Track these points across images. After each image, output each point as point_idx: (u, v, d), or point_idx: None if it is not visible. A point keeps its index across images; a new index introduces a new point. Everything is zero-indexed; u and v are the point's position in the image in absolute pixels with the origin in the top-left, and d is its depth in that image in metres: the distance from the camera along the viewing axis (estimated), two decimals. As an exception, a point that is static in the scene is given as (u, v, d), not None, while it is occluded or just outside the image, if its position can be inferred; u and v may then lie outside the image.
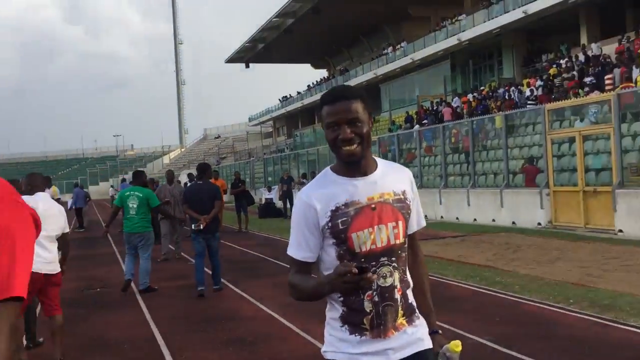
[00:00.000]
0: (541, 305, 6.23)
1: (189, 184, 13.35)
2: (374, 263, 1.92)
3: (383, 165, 2.05)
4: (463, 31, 30.87)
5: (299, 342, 5.45)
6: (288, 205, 21.67)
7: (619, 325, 5.31)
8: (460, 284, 7.68)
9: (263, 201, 23.37)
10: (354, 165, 1.95)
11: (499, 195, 15.36)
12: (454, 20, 32.73)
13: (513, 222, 14.75)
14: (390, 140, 22.32)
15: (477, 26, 29.84)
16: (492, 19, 28.82)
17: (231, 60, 57.27)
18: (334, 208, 1.93)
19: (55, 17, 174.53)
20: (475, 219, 16.21)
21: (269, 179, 33.17)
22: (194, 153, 73.99)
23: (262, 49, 51.83)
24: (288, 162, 32.15)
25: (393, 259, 1.95)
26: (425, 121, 26.58)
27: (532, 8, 26.05)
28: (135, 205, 8.48)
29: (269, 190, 23.55)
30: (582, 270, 8.07)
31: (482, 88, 29.12)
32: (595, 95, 14.91)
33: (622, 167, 12.17)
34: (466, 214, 16.69)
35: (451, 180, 18.47)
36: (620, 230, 11.74)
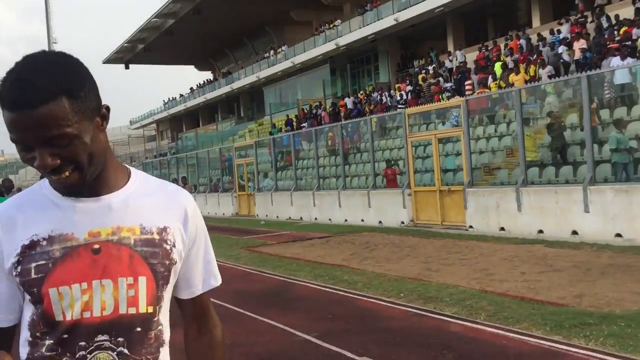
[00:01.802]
0: (374, 301, 6.60)
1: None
2: (83, 343, 1.23)
3: (141, 183, 1.34)
4: (340, 36, 31.75)
5: None
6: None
7: (435, 315, 5.75)
8: (307, 284, 7.93)
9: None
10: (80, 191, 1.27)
11: (367, 197, 15.97)
12: (331, 26, 33.57)
13: (380, 222, 15.39)
14: (269, 143, 22.52)
15: (353, 32, 30.82)
16: (367, 25, 29.88)
17: (109, 60, 55.03)
18: (27, 243, 1.24)
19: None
20: (346, 220, 16.72)
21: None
22: (72, 158, 70.36)
23: (143, 49, 50.31)
24: (168, 166, 31.43)
25: (120, 339, 1.25)
26: (304, 124, 27.06)
27: (403, 16, 27.33)
28: None
29: (144, 196, 22.91)
30: (424, 265, 8.61)
31: (360, 92, 30.13)
32: (448, 101, 15.89)
33: (472, 167, 13.09)
34: (338, 215, 17.18)
35: (325, 183, 18.96)
36: (471, 227, 12.62)
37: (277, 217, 19.95)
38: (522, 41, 21.05)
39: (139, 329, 1.27)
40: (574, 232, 10.30)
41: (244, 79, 42.51)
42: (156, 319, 1.30)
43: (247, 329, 5.89)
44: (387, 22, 28.30)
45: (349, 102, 26.83)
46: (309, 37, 36.10)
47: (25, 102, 1.13)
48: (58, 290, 1.22)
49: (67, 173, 1.20)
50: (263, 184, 21.82)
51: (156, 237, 1.30)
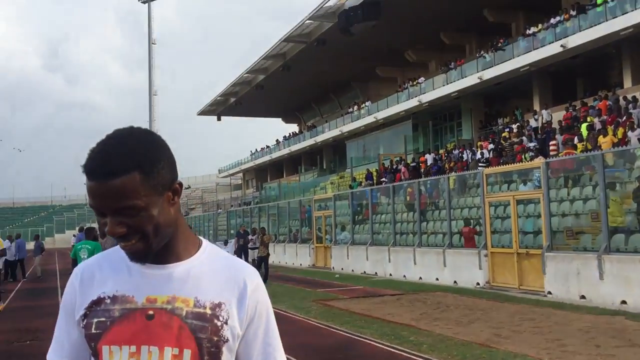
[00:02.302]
0: (436, 365, 6.55)
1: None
2: None
3: (208, 256, 1.38)
4: (423, 93, 32.03)
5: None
6: (243, 259, 21.82)
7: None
8: (372, 342, 7.96)
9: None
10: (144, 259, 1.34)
11: (442, 255, 15.79)
12: (414, 83, 33.96)
13: (455, 282, 15.13)
14: (348, 196, 22.80)
15: (437, 89, 31.02)
16: (451, 83, 30.01)
17: (203, 112, 58.06)
18: (95, 298, 1.33)
19: (35, 65, 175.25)
20: (420, 278, 16.55)
21: (232, 231, 33.26)
22: (163, 203, 73.65)
23: (234, 102, 52.76)
24: (250, 215, 32.37)
25: None
26: (384, 179, 27.23)
27: (487, 74, 27.28)
28: (85, 256, 9.17)
29: (225, 244, 23.66)
30: (494, 331, 8.42)
31: (441, 150, 30.07)
32: (528, 162, 15.62)
33: (551, 230, 12.73)
34: (413, 272, 17.05)
35: (402, 238, 18.90)
36: (550, 292, 12.17)
37: (353, 270, 20.01)
38: (611, 102, 20.45)
39: None
40: (660, 305, 9.75)
41: (328, 133, 43.48)
42: None
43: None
44: (470, 80, 28.34)
45: (429, 158, 26.82)
46: (393, 93, 36.65)
47: (101, 174, 1.23)
48: (110, 348, 1.28)
49: (133, 241, 1.27)
50: (340, 236, 22.03)
51: (208, 311, 1.31)
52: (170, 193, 1.31)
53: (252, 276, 1.38)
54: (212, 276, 1.35)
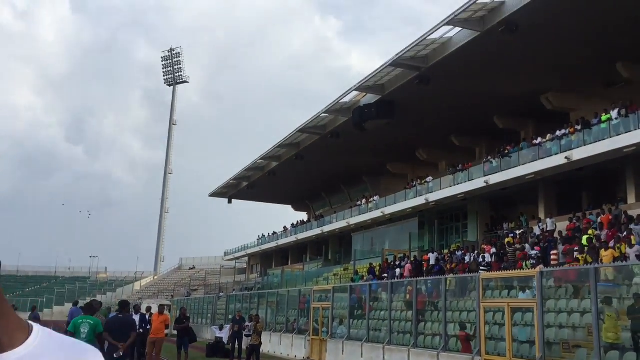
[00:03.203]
0: None
1: (110, 316, 13.74)
2: None
3: (41, 343, 1.13)
4: (431, 192, 32.53)
5: None
6: (236, 346, 21.55)
7: None
8: None
9: (213, 339, 23.18)
10: None
11: (437, 358, 15.55)
12: (423, 182, 34.57)
13: (448, 387, 14.81)
14: (347, 289, 22.72)
15: (444, 189, 31.53)
16: (458, 184, 30.54)
17: (215, 194, 58.94)
18: None
19: (57, 135, 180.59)
20: (414, 379, 16.22)
21: (229, 316, 32.91)
22: (166, 282, 73.24)
23: (246, 187, 53.64)
24: (250, 301, 32.12)
25: None
26: (385, 275, 27.17)
27: (493, 179, 27.81)
28: (85, 331, 9.48)
29: (221, 328, 23.45)
30: None
31: (445, 250, 30.13)
32: (523, 271, 15.68)
33: (545, 342, 12.61)
34: (406, 373, 16.71)
35: (398, 337, 18.64)
36: (541, 406, 11.89)
37: (346, 367, 19.62)
38: (613, 216, 20.68)
39: None
40: None
41: (335, 224, 43.82)
42: None
43: None
44: (477, 183, 28.86)
45: (432, 257, 26.86)
46: (402, 189, 37.23)
47: None
48: None
49: None
50: (337, 330, 21.76)
51: None
52: None
53: None
54: None
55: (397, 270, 26.66)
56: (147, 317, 18.08)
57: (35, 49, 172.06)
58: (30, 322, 1.18)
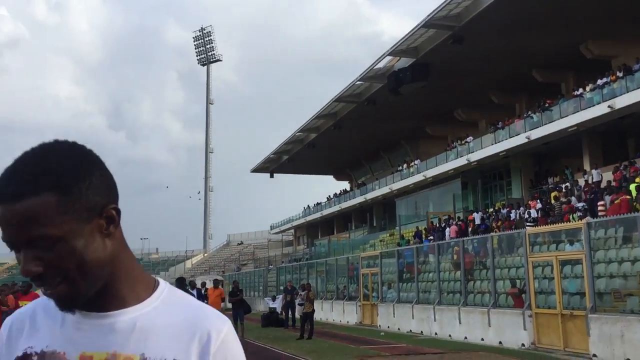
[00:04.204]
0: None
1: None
2: None
3: (163, 301, 1.13)
4: (472, 152, 32.30)
5: None
6: (290, 315, 22.21)
7: None
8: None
9: (267, 310, 23.91)
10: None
11: (487, 315, 15.77)
12: (463, 142, 34.31)
13: (500, 342, 15.04)
14: (394, 254, 23.03)
15: (485, 148, 31.25)
16: (499, 142, 30.23)
17: (256, 170, 59.74)
18: (21, 354, 1.12)
19: (100, 123, 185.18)
20: (465, 337, 16.50)
21: (281, 287, 33.72)
22: (215, 258, 75.07)
23: (287, 160, 54.17)
24: (300, 271, 32.81)
25: None
26: (431, 237, 27.33)
27: (535, 134, 27.42)
28: None
29: (273, 299, 24.15)
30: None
31: (490, 209, 30.02)
32: (569, 223, 15.64)
33: (596, 292, 12.67)
34: (458, 331, 17.01)
35: (447, 297, 18.90)
36: (595, 355, 12.04)
37: (399, 329, 20.04)
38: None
39: None
40: None
41: (378, 190, 43.98)
42: None
43: None
44: (518, 140, 28.52)
45: (477, 217, 26.84)
46: (443, 151, 37.04)
47: (7, 195, 1.00)
48: None
49: (53, 285, 1.03)
50: (387, 294, 22.15)
51: None
52: (103, 220, 1.06)
53: (219, 326, 1.11)
54: (165, 327, 1.09)
55: (447, 230, 26.72)
56: (203, 292, 18.84)
57: (70, 40, 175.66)
58: (159, 278, 1.18)
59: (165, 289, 1.14)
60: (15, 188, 1.00)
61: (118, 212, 1.08)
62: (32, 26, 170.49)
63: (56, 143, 1.07)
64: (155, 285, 1.15)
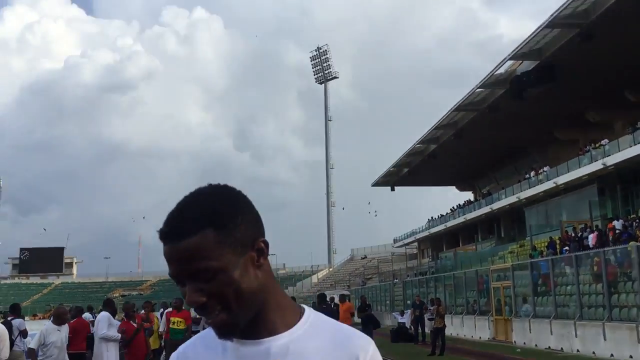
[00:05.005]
0: None
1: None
2: None
3: (311, 326, 1.23)
4: (608, 156, 30.16)
5: None
6: (419, 330, 21.87)
7: None
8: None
9: (396, 325, 23.71)
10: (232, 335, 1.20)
11: (636, 330, 14.56)
12: (597, 145, 32.15)
13: (653, 360, 13.83)
14: (527, 266, 21.97)
15: (623, 150, 29.05)
16: (638, 143, 27.98)
17: (377, 184, 59.79)
18: None
19: (228, 145, 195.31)
20: (612, 355, 15.35)
21: (407, 302, 33.32)
22: (340, 273, 75.87)
23: (407, 173, 53.72)
24: (426, 285, 32.27)
25: None
26: (566, 248, 25.78)
27: (681, 132, 25.09)
28: None
29: (402, 314, 23.91)
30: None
31: (632, 215, 27.79)
32: None
33: None
34: (602, 348, 15.89)
35: (589, 312, 17.70)
36: None
37: (536, 345, 19.04)
38: None
39: None
40: None
41: (504, 200, 42.30)
42: None
43: None
44: (662, 139, 26.22)
45: (617, 224, 24.95)
46: (574, 156, 34.91)
47: (172, 235, 1.13)
48: None
49: (215, 313, 1.14)
50: (521, 309, 21.16)
51: None
52: (254, 253, 1.17)
53: (366, 346, 1.21)
54: (316, 349, 1.19)
55: (590, 237, 25.07)
56: (332, 306, 19.06)
57: (198, 69, 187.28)
58: (303, 305, 1.29)
59: (312, 315, 1.25)
60: (179, 228, 1.13)
61: (267, 244, 1.20)
62: (164, 59, 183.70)
63: (211, 186, 1.21)
64: (302, 312, 1.25)
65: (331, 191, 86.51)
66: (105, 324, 8.91)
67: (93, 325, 10.51)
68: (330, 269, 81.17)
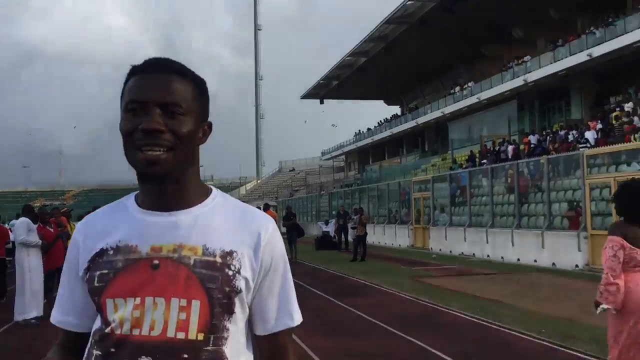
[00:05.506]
0: (514, 334, 6.91)
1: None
2: None
3: (218, 204, 1.31)
4: (529, 72, 31.11)
5: None
6: (343, 238, 22.68)
7: (567, 350, 5.97)
8: (457, 313, 8.39)
9: (320, 234, 24.45)
10: (156, 185, 1.26)
11: (541, 237, 15.68)
12: (520, 62, 33.02)
13: (553, 264, 15.02)
14: (446, 178, 22.91)
15: (543, 67, 30.02)
16: (558, 61, 28.96)
17: (306, 96, 59.50)
18: (98, 250, 1.26)
19: (151, 54, 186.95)
20: (518, 259, 16.53)
21: (333, 212, 34.26)
22: (269, 185, 76.52)
23: (336, 86, 53.63)
24: (351, 197, 33.15)
25: None
26: (484, 161, 26.94)
27: (597, 51, 26.09)
28: None
29: (326, 223, 24.62)
30: (582, 308, 8.53)
31: (547, 130, 29.16)
32: (633, 143, 15.09)
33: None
34: (510, 254, 17.04)
35: (500, 220, 18.82)
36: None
37: (450, 251, 20.21)
38: None
39: (185, 356, 1.18)
40: None
41: (430, 114, 43.25)
42: (210, 348, 1.20)
43: (392, 343, 6.62)
44: (579, 58, 27.20)
45: (533, 139, 26.19)
46: (497, 73, 35.79)
47: (165, 67, 1.26)
48: (114, 301, 1.21)
49: (161, 150, 1.20)
50: (438, 218, 22.23)
51: (219, 260, 1.22)
52: (206, 127, 1.31)
53: (268, 225, 1.30)
54: (222, 223, 1.27)
55: (508, 149, 26.24)
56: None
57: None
58: (211, 185, 1.37)
59: (218, 194, 1.34)
60: (172, 65, 1.27)
61: (210, 127, 1.33)
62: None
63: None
64: (210, 191, 1.34)
65: (260, 103, 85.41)
66: (24, 230, 8.69)
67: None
68: (259, 181, 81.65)
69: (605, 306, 3.82)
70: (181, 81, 1.25)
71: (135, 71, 1.27)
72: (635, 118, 21.41)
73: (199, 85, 1.29)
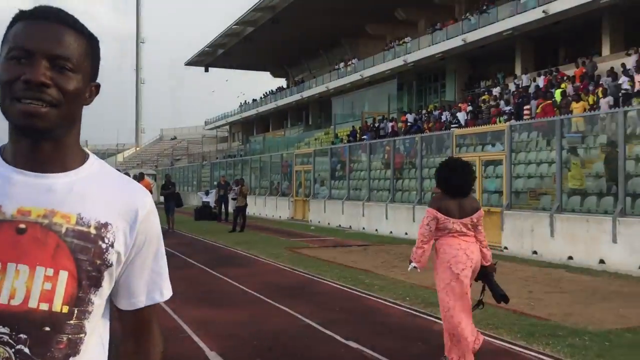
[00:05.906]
0: (381, 301, 7.32)
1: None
2: None
3: (95, 171, 1.23)
4: (409, 53, 32.35)
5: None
6: (223, 209, 22.56)
7: (426, 316, 6.42)
8: (329, 283, 8.72)
9: (200, 205, 24.14)
10: (32, 141, 1.15)
11: (412, 211, 16.55)
12: (401, 42, 34.21)
13: (422, 236, 15.91)
14: (329, 152, 23.42)
15: (422, 49, 31.34)
16: (436, 43, 30.34)
17: (191, 63, 57.83)
18: None
19: (15, 6, 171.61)
20: (391, 232, 17.35)
21: (214, 183, 33.89)
22: (148, 153, 73.92)
23: (222, 54, 52.60)
24: (234, 168, 32.94)
25: (23, 336, 1.08)
26: (365, 137, 27.80)
27: (471, 37, 27.64)
28: None
29: (207, 194, 24.33)
30: (443, 277, 9.19)
31: (423, 110, 30.61)
32: (492, 125, 16.25)
33: (512, 191, 13.49)
34: (384, 226, 17.84)
35: (377, 195, 19.61)
36: (506, 247, 13.01)
37: (329, 224, 20.79)
38: (588, 69, 21.02)
39: (47, 329, 1.09)
40: (601, 261, 10.57)
41: (315, 89, 43.74)
42: (72, 322, 1.12)
43: (263, 312, 6.76)
44: (455, 42, 28.68)
45: (410, 117, 27.39)
46: (380, 52, 36.86)
47: (58, 18, 1.14)
48: None
49: (43, 105, 1.10)
50: (319, 191, 22.73)
51: (92, 231, 1.15)
52: (94, 87, 1.23)
53: (145, 200, 1.25)
54: (100, 193, 1.19)
55: (389, 125, 27.22)
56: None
57: None
58: (87, 150, 1.26)
59: (96, 162, 1.25)
60: (63, 16, 1.16)
61: (97, 89, 1.25)
62: None
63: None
64: (87, 156, 1.24)
65: (141, 67, 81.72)
66: None
67: None
68: (138, 149, 78.55)
69: (414, 264, 4.71)
70: (75, 35, 1.15)
71: (22, 16, 1.15)
72: (502, 102, 23.02)
73: (92, 44, 1.20)
